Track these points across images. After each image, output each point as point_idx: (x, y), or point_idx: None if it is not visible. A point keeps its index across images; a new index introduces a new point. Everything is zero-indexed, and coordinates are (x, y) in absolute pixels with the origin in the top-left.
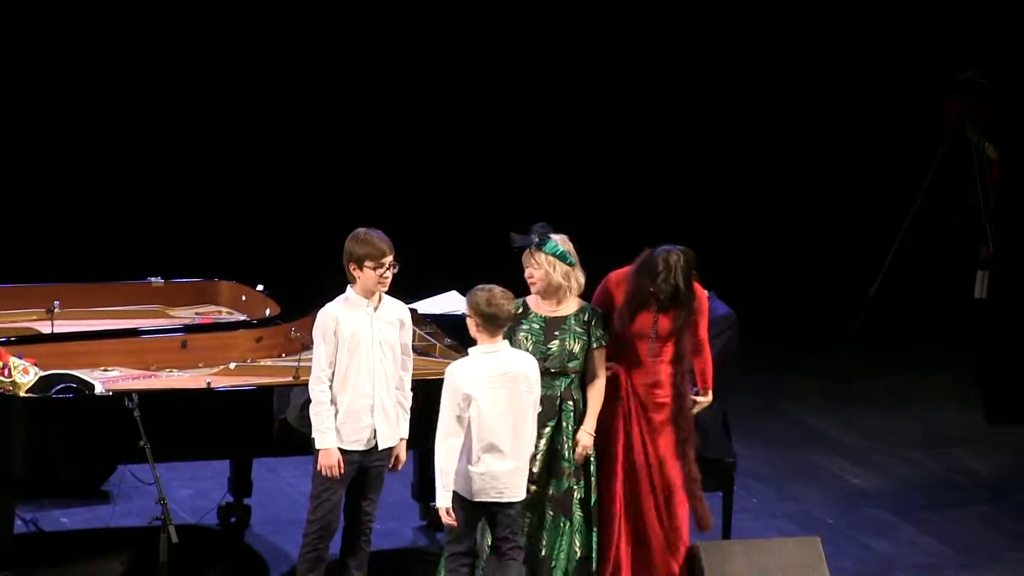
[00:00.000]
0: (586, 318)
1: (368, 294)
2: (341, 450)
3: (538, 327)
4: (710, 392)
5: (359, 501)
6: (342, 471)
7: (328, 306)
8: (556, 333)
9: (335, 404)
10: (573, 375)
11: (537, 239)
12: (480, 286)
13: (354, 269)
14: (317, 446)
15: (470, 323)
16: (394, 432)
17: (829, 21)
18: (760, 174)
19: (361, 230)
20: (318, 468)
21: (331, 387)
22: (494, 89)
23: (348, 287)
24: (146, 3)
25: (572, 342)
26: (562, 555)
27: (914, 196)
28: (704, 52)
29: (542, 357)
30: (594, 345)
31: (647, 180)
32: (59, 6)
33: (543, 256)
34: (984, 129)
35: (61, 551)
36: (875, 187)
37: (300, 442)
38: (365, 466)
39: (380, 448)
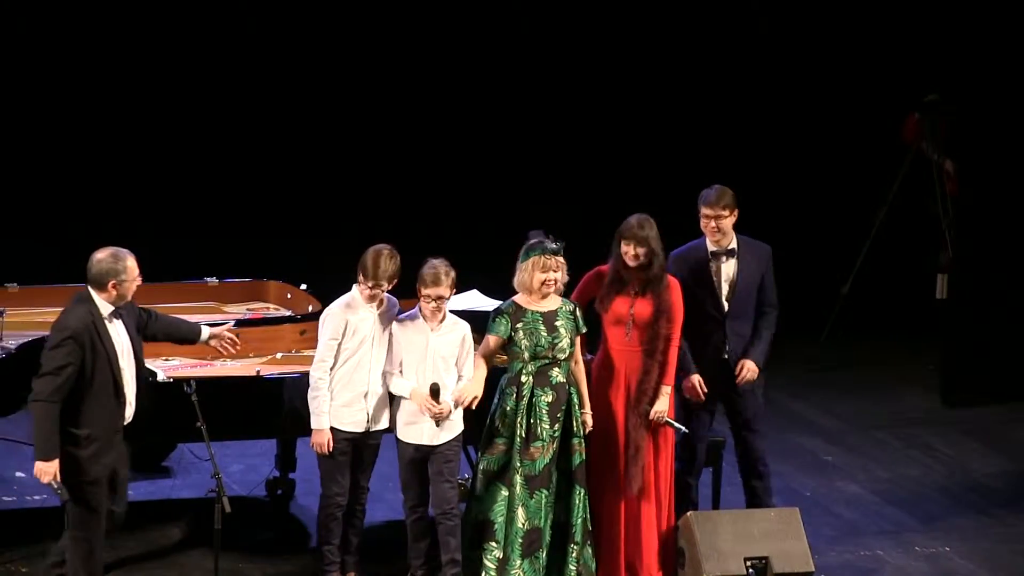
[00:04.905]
0: (570, 309)
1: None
2: (342, 431)
3: (538, 322)
4: (668, 388)
5: (355, 475)
6: (330, 449)
7: (336, 305)
8: (556, 324)
9: (334, 391)
10: (569, 361)
11: (555, 246)
12: (437, 265)
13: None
14: (313, 426)
15: (450, 292)
16: (385, 415)
17: (805, 47)
18: (751, 183)
19: (384, 248)
20: (310, 446)
21: (330, 375)
22: (502, 90)
23: (354, 287)
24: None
25: (567, 330)
26: (579, 520)
27: (880, 206)
28: (687, 62)
29: (549, 347)
30: (577, 334)
31: (635, 180)
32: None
33: (562, 260)
34: (942, 146)
35: (128, 519)
36: (848, 197)
37: None
38: (361, 445)
39: (373, 430)
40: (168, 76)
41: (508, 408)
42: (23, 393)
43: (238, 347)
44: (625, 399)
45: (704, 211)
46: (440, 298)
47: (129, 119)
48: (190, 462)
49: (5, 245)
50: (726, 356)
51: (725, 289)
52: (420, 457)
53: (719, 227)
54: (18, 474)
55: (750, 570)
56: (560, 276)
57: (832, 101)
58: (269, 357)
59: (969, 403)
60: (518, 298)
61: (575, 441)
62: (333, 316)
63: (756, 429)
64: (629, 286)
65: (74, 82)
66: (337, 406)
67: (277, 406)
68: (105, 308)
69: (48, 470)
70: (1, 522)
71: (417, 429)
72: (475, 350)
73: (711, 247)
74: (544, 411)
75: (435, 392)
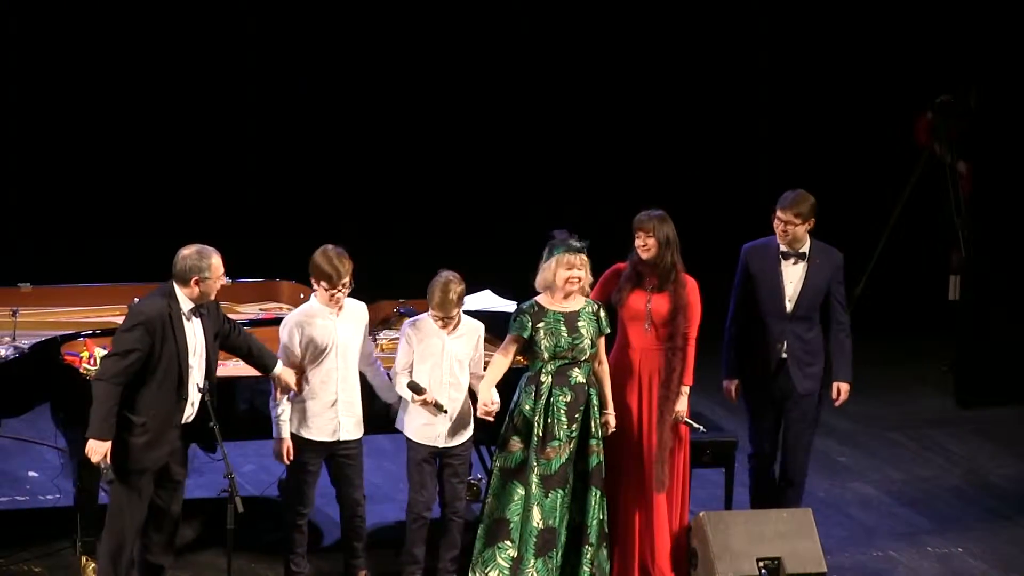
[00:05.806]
0: (593, 310)
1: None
2: (311, 440)
3: (559, 322)
4: (687, 388)
5: (344, 488)
6: (290, 458)
7: (292, 314)
8: (577, 325)
9: (303, 401)
10: (591, 361)
11: (580, 244)
12: (445, 288)
13: (313, 283)
14: (274, 435)
15: (457, 309)
16: (357, 424)
17: (818, 48)
18: (763, 184)
19: (330, 248)
20: (273, 453)
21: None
22: (508, 91)
23: (312, 295)
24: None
25: (589, 331)
26: (594, 522)
27: (894, 207)
28: (697, 67)
29: (569, 347)
30: (600, 335)
31: (645, 182)
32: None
33: (586, 259)
34: (956, 146)
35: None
36: (861, 198)
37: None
38: (334, 455)
39: (343, 439)
40: (179, 77)
41: (526, 407)
42: (35, 393)
43: (293, 390)
44: (638, 397)
45: (777, 213)
46: (448, 318)
47: (138, 120)
48: (203, 462)
49: (18, 245)
50: (784, 356)
51: (789, 290)
52: (433, 460)
53: (787, 231)
54: (31, 474)
55: (763, 571)
56: (584, 275)
57: (846, 102)
58: None
59: (982, 404)
60: (540, 298)
61: (593, 442)
62: (286, 326)
63: (806, 437)
64: (646, 281)
65: (82, 84)
66: (305, 416)
67: None
68: (186, 304)
69: (99, 450)
70: (14, 522)
71: (432, 431)
72: (486, 350)
73: (783, 247)
74: (562, 411)
75: (416, 389)
